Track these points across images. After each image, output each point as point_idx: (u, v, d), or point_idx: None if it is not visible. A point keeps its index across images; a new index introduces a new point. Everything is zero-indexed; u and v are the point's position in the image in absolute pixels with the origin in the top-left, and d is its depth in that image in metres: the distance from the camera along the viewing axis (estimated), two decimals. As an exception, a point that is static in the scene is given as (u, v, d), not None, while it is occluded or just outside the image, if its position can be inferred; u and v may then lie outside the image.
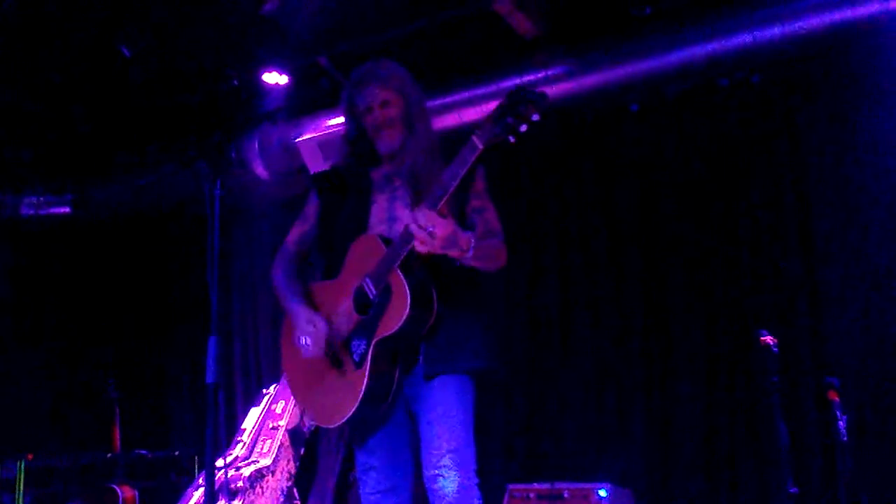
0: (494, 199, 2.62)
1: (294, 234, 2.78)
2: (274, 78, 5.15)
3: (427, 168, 2.55)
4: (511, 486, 4.39)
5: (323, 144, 5.37)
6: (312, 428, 5.27)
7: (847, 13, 4.15)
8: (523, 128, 2.23)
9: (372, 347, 2.42)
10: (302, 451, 5.12)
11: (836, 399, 3.49)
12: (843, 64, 4.48)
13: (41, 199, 6.17)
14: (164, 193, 6.04)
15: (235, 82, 5.22)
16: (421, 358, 2.49)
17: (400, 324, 2.37)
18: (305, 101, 5.40)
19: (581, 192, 5.18)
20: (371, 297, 2.45)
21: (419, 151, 2.59)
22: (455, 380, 2.48)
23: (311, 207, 2.76)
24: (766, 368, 3.55)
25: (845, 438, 3.45)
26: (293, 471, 5.00)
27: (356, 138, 2.69)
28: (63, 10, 4.67)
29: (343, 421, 2.46)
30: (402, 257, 2.37)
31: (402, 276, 2.38)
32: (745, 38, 4.33)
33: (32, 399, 6.07)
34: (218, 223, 2.50)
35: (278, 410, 5.21)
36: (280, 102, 5.28)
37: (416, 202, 2.47)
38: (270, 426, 5.11)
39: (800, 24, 4.23)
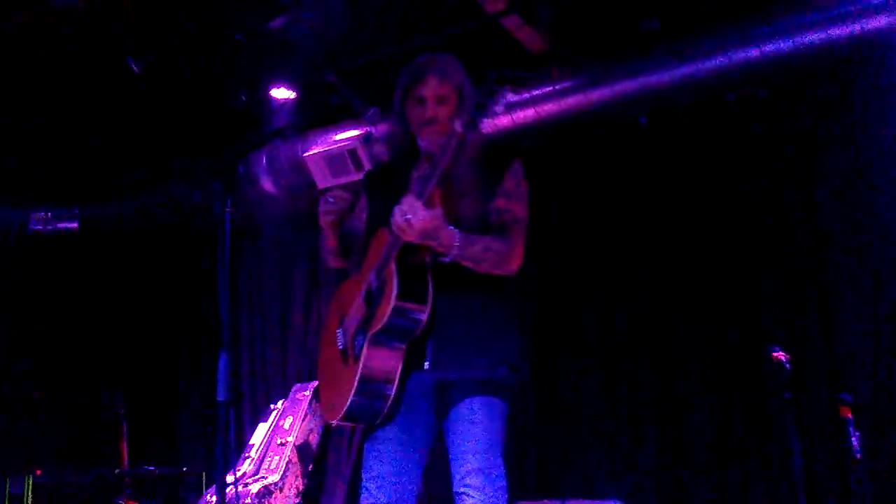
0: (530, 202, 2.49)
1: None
2: (282, 93, 5.16)
3: (465, 174, 2.41)
4: (520, 503, 4.36)
5: (330, 159, 5.36)
6: (320, 443, 5.25)
7: (854, 27, 4.13)
8: (498, 108, 2.23)
9: (367, 342, 2.34)
10: (310, 466, 5.10)
11: (850, 415, 3.45)
12: (852, 78, 4.45)
13: (49, 214, 6.17)
14: (172, 210, 6.03)
15: (244, 98, 5.22)
16: (427, 362, 2.35)
17: (385, 318, 2.28)
18: (313, 116, 5.40)
19: (588, 204, 5.16)
20: (373, 289, 2.39)
21: (460, 156, 2.39)
22: (481, 390, 2.37)
23: (361, 206, 2.70)
24: (778, 385, 3.51)
25: (859, 455, 3.41)
26: (301, 487, 4.98)
27: (401, 133, 2.59)
28: (71, 27, 4.69)
29: (338, 418, 2.38)
30: (398, 248, 2.31)
31: (394, 268, 2.31)
32: (752, 53, 4.32)
33: (40, 414, 6.05)
34: (228, 240, 2.48)
35: (286, 426, 5.19)
36: (288, 118, 5.28)
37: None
38: (279, 442, 5.09)
39: (808, 38, 4.21)
